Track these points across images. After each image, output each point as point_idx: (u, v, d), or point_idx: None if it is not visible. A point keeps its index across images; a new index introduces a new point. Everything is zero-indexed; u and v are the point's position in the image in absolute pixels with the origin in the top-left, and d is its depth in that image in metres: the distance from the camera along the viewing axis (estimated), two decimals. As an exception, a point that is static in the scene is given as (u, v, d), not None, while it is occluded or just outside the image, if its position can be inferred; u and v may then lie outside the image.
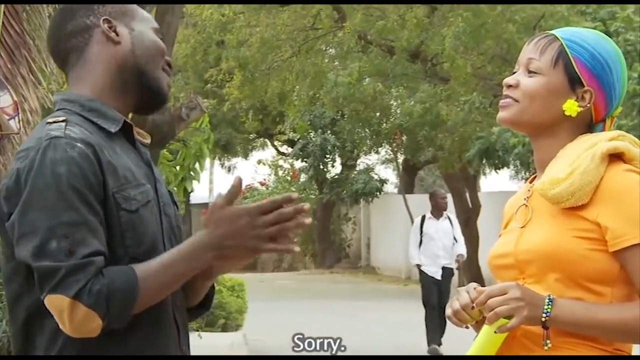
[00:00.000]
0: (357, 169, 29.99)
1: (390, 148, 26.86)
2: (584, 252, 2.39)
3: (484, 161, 20.01)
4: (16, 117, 5.38)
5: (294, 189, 30.40)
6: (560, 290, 2.39)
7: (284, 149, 32.99)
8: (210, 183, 37.76)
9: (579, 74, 2.49)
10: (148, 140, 2.55)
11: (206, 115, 9.44)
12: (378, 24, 18.17)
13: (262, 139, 34.13)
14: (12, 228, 2.27)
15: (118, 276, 2.24)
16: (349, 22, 18.40)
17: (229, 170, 37.15)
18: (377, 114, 21.86)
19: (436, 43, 17.01)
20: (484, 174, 26.52)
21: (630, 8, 14.53)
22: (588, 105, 2.49)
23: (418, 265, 12.62)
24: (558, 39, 2.52)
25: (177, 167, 9.28)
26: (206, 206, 32.55)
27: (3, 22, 5.45)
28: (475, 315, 2.40)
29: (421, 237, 12.58)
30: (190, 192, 9.74)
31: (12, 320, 2.39)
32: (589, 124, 2.52)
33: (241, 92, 20.68)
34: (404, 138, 24.14)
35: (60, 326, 2.24)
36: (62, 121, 2.35)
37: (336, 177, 29.74)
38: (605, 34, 2.73)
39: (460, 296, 2.42)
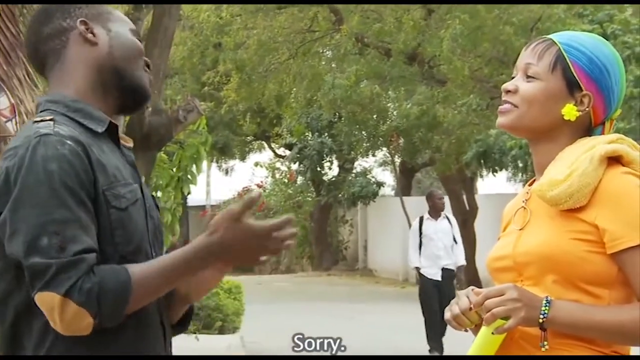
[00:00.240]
0: (355, 171, 29.99)
1: (387, 150, 26.86)
2: (582, 254, 2.39)
3: (481, 163, 19.99)
4: (13, 120, 5.35)
5: (291, 192, 30.41)
6: (558, 292, 2.39)
7: (281, 151, 32.97)
8: (208, 185, 37.81)
9: (577, 78, 2.49)
10: (130, 144, 2.54)
11: (203, 117, 9.43)
12: (375, 26, 18.20)
13: (259, 142, 34.15)
14: (2, 226, 2.26)
15: (110, 275, 2.23)
16: (346, 25, 18.40)
17: (226, 172, 37.18)
18: (374, 116, 21.90)
19: (433, 45, 17.03)
20: (481, 176, 26.55)
21: (628, 11, 14.55)
22: (587, 109, 2.50)
23: (417, 269, 12.28)
24: (556, 43, 2.52)
25: (174, 170, 9.26)
26: (203, 208, 32.56)
27: (-1, 24, 5.42)
28: (473, 318, 2.40)
29: (420, 238, 12.26)
30: (187, 195, 9.73)
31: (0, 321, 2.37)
32: (588, 128, 2.53)
33: (238, 94, 20.70)
34: (401, 140, 24.16)
35: (51, 324, 2.23)
36: (49, 120, 2.34)
37: (333, 179, 29.73)
38: (603, 37, 2.73)
39: (460, 300, 2.42)
